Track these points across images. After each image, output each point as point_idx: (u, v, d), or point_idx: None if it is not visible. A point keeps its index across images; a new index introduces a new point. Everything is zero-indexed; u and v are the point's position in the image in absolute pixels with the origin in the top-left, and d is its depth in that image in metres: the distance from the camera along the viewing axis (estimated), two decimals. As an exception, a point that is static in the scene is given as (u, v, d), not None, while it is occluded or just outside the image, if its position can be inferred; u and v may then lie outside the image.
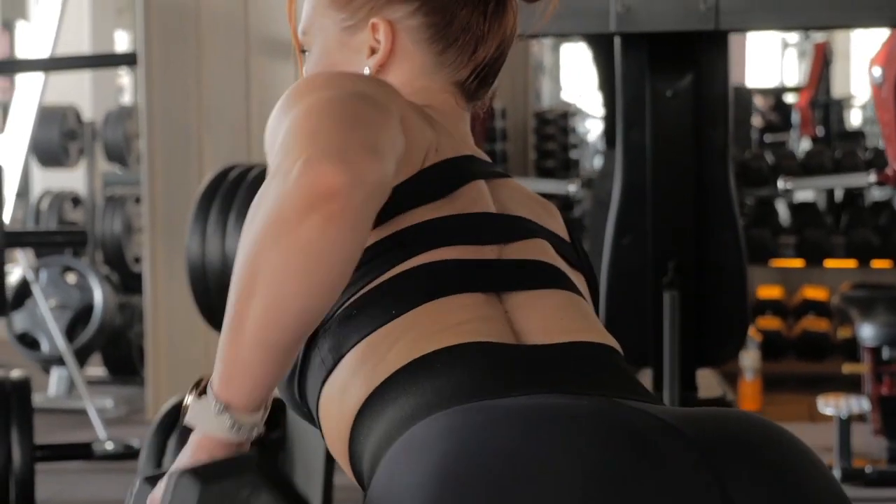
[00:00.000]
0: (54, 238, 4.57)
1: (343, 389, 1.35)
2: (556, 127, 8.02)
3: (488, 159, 1.54)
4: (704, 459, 1.20)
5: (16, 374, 3.59)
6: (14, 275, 6.30)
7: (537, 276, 1.42)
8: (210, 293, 3.20)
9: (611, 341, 1.42)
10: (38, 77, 5.33)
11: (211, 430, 1.26)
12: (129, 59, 3.95)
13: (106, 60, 4.28)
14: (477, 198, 1.45)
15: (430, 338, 1.33)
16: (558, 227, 1.53)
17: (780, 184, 5.19)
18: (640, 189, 3.42)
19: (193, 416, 1.27)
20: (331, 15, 1.48)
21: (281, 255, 1.18)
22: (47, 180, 7.89)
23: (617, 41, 3.38)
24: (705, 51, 3.32)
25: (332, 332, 1.37)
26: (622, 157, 3.43)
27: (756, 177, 7.28)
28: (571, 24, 3.21)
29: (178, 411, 3.23)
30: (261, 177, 3.25)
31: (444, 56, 1.47)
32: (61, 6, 5.61)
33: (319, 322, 1.28)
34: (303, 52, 1.53)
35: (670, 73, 3.32)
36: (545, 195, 1.59)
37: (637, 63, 3.35)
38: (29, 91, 5.46)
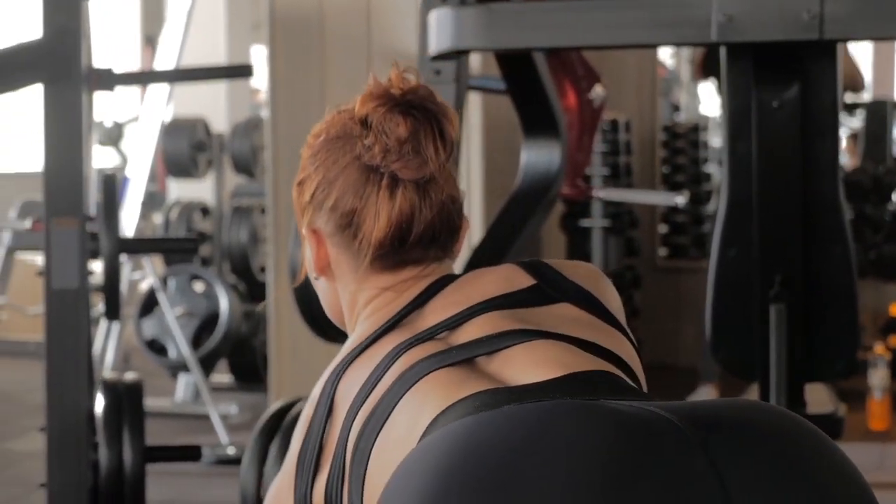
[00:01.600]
0: (165, 245, 4.68)
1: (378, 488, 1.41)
2: (686, 140, 7.95)
3: (437, 278, 1.60)
4: (697, 444, 1.23)
5: (129, 376, 3.68)
6: (147, 283, 6.46)
7: (500, 340, 1.48)
8: (313, 302, 3.24)
9: (606, 367, 1.46)
10: (162, 90, 5.45)
11: None
12: (244, 72, 4.02)
13: (221, 72, 4.37)
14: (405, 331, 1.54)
15: (432, 408, 1.40)
16: (518, 281, 1.58)
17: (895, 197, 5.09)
18: (746, 201, 3.38)
19: None
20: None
21: None
22: (182, 190, 8.06)
23: (722, 51, 3.34)
24: (812, 60, 3.26)
25: (351, 476, 1.45)
26: (728, 168, 3.39)
27: (890, 192, 7.13)
28: (673, 35, 3.19)
29: (281, 415, 3.28)
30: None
31: (355, 249, 1.58)
32: (186, 20, 5.73)
33: None
34: None
35: (776, 84, 3.27)
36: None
37: (742, 73, 3.30)
38: (154, 103, 5.59)
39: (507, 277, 1.59)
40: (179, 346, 5.95)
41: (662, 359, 7.10)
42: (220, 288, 6.24)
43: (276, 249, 5.76)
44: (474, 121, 5.87)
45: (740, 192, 3.40)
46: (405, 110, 1.55)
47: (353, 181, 1.56)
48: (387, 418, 1.41)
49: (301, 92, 5.66)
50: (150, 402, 6.08)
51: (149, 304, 6.20)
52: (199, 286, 6.33)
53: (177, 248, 4.41)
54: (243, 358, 6.57)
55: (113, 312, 3.49)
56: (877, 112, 8.99)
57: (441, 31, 3.30)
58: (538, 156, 3.81)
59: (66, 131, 3.45)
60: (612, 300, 1.60)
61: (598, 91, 4.14)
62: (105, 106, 8.27)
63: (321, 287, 1.65)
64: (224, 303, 6.22)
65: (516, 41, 3.32)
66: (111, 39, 9.57)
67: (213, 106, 8.37)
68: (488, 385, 1.40)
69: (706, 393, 6.09)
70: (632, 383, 1.47)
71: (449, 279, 1.60)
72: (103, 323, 5.69)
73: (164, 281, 6.17)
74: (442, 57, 3.32)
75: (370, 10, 5.64)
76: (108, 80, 3.81)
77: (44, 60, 3.44)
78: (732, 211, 3.42)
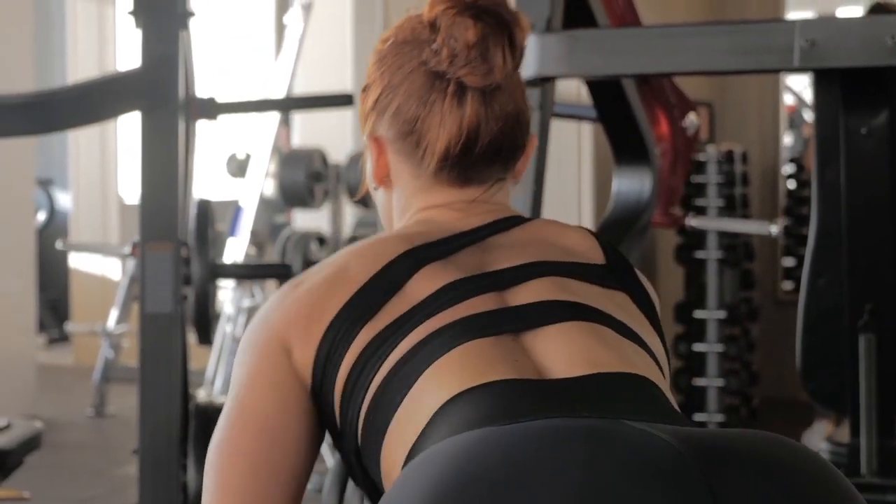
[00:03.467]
0: (258, 271, 4.75)
1: (394, 462, 1.40)
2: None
3: (510, 214, 1.58)
4: (701, 478, 1.17)
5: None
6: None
7: (550, 313, 1.44)
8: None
9: (638, 369, 1.42)
10: (272, 119, 5.54)
11: None
12: (345, 101, 4.07)
13: (322, 101, 4.43)
14: (460, 266, 1.50)
15: (454, 384, 1.37)
16: (591, 254, 1.56)
17: None
18: (836, 229, 3.33)
19: None
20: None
21: None
22: (304, 221, 8.15)
23: (811, 78, 3.30)
24: (901, 87, 3.21)
25: (369, 434, 1.43)
26: (817, 196, 3.34)
27: None
28: (756, 60, 3.15)
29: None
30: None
31: (417, 157, 1.55)
32: (297, 49, 5.82)
33: None
34: None
35: (864, 110, 3.22)
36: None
37: (830, 100, 3.26)
38: (265, 133, 5.68)
39: (583, 245, 1.57)
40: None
41: (781, 393, 6.98)
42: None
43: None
44: (586, 150, 5.86)
45: (830, 220, 3.35)
46: (475, 14, 1.51)
47: (417, 87, 1.53)
48: (412, 385, 1.39)
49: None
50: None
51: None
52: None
53: (269, 274, 4.47)
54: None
55: (204, 337, 3.55)
56: None
57: (525, 58, 3.31)
58: (630, 183, 3.79)
59: (162, 158, 3.53)
60: (658, 311, 1.59)
61: (691, 119, 4.11)
62: (239, 138, 8.43)
63: (380, 199, 1.62)
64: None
65: (599, 68, 3.32)
66: (248, 68, 9.75)
67: (339, 136, 8.47)
68: (517, 371, 1.36)
69: (821, 428, 5.97)
70: (660, 386, 1.43)
71: (517, 220, 1.56)
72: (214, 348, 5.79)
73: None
74: (526, 84, 3.33)
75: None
76: (209, 108, 3.88)
77: (141, 89, 3.52)
78: (822, 239, 3.37)
